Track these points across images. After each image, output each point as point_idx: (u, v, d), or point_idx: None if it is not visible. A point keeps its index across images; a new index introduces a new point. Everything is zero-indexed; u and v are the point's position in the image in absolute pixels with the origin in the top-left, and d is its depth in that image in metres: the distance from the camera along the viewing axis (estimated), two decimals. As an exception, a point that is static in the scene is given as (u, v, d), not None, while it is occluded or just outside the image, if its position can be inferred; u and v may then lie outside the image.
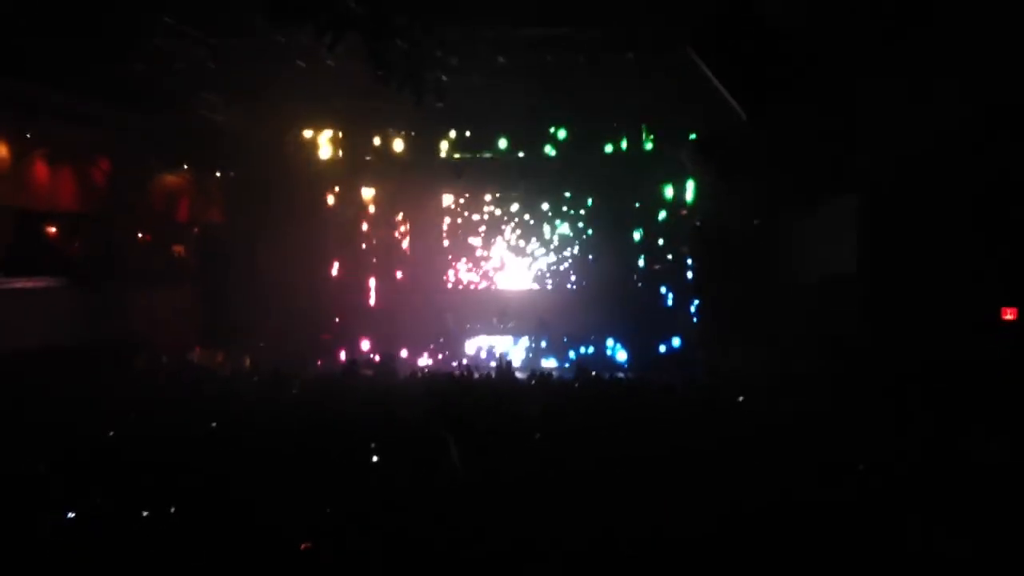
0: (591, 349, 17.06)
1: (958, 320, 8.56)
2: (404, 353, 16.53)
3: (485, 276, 18.52)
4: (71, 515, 4.99)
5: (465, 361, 16.25)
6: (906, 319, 9.02)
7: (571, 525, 4.70)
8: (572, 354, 17.01)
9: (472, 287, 18.52)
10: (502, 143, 15.47)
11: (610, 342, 17.14)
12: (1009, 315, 8.53)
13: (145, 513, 5.04)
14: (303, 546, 4.58)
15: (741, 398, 8.79)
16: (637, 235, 17.05)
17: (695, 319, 15.40)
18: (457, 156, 15.90)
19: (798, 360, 10.09)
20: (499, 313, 17.89)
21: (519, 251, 18.32)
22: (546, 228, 18.19)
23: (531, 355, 17.38)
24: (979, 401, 7.37)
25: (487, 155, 15.87)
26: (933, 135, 8.43)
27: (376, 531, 4.77)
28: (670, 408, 8.43)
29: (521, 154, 15.81)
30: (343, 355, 16.14)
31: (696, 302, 15.36)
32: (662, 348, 16.35)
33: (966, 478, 5.42)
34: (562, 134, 15.31)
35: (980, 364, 8.01)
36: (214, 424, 7.67)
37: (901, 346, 8.92)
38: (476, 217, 18.36)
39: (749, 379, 9.98)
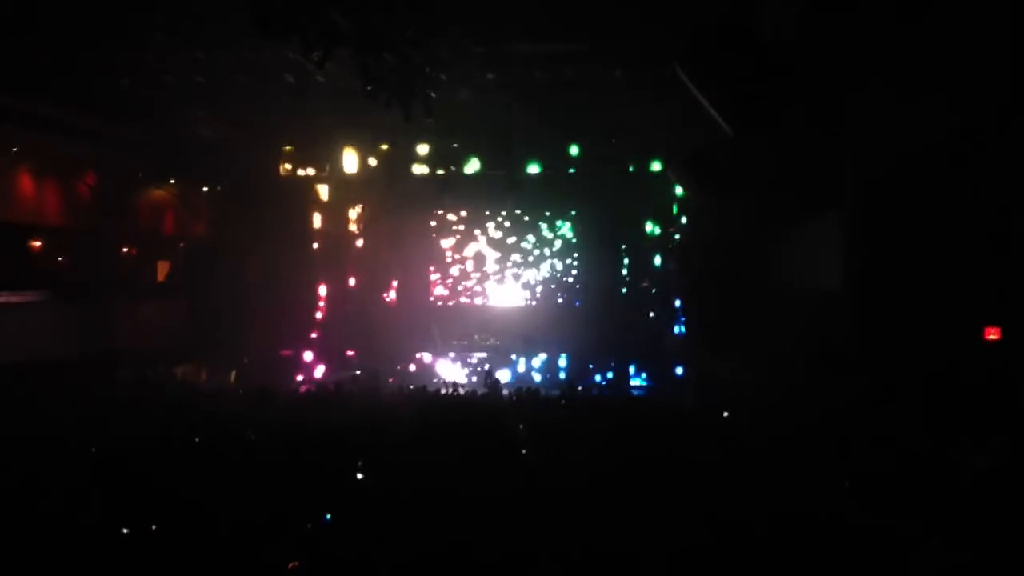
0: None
1: (949, 332, 8.55)
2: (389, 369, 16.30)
3: (469, 292, 18.43)
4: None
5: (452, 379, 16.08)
6: (897, 331, 8.99)
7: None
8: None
9: (456, 303, 18.43)
10: (488, 160, 15.35)
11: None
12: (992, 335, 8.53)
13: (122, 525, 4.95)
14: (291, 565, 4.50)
15: (726, 414, 8.73)
16: (629, 252, 16.97)
17: (689, 333, 15.17)
18: (443, 171, 15.73)
19: (789, 370, 10.05)
20: (480, 329, 17.74)
21: (505, 267, 18.24)
22: (535, 245, 18.13)
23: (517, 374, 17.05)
24: (970, 411, 7.34)
25: (474, 171, 15.71)
26: (922, 147, 8.46)
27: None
28: (667, 425, 8.39)
29: (511, 166, 15.62)
30: (324, 370, 16.09)
31: (689, 316, 15.16)
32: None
33: (959, 487, 5.39)
34: (552, 151, 15.23)
35: (973, 371, 8.00)
36: (196, 439, 7.55)
37: (891, 357, 8.89)
38: (463, 232, 18.33)
39: (741, 388, 9.94)
